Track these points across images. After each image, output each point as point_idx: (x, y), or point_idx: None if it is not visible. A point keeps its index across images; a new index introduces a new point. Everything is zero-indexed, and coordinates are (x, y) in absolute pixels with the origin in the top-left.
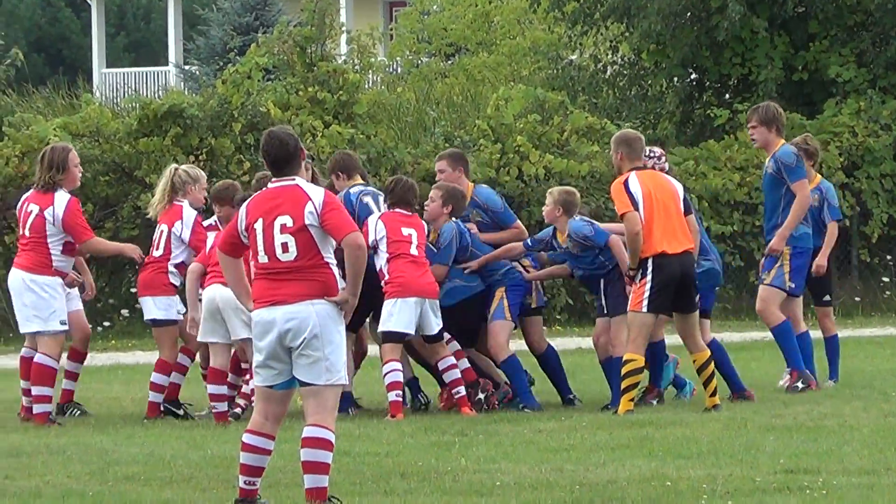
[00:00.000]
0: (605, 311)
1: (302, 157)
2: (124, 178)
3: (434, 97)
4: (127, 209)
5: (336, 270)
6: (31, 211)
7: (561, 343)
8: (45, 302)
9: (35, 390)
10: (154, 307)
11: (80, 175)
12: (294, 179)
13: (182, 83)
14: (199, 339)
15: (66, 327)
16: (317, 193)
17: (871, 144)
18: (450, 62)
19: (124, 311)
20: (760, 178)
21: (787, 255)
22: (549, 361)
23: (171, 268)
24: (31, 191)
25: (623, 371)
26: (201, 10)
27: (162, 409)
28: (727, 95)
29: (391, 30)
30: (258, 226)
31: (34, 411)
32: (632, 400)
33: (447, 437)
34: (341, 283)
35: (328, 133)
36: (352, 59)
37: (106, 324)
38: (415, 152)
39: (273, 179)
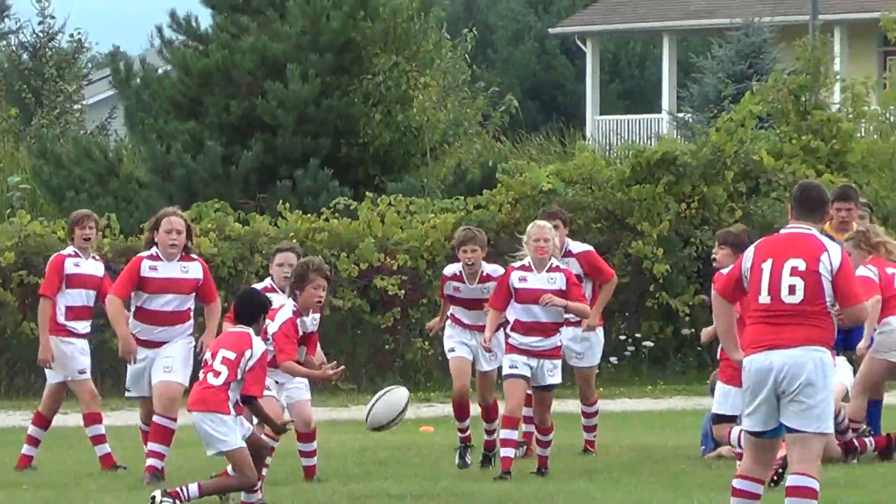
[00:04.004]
0: None
1: (826, 216)
2: (616, 224)
3: None
4: (619, 256)
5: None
6: None
7: None
8: None
9: None
10: None
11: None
12: (811, 230)
13: (675, 130)
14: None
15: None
16: (834, 250)
17: None
18: None
19: (612, 359)
20: None
21: None
22: None
23: None
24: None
25: None
26: (696, 57)
27: None
28: None
29: (885, 78)
30: (766, 265)
31: None
32: None
33: None
34: None
35: (821, 182)
36: (845, 108)
37: None
38: None
39: (789, 225)
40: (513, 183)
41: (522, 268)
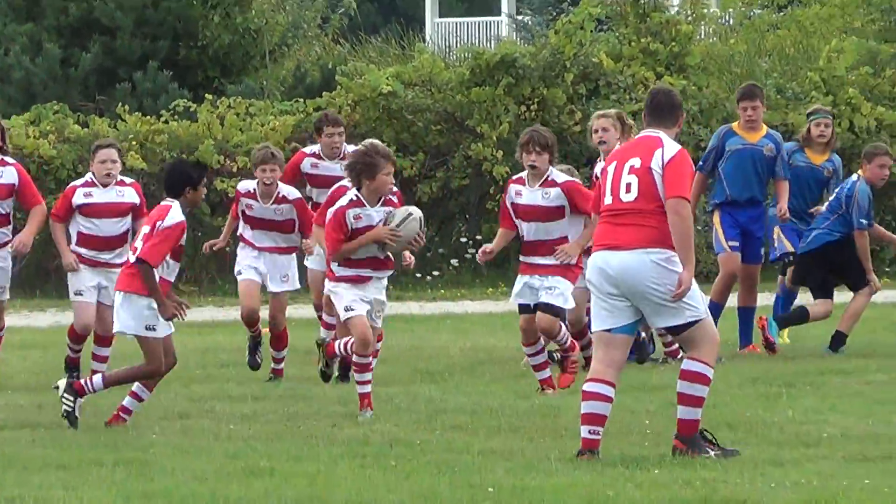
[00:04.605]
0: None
1: (679, 120)
2: (455, 127)
3: (765, 49)
4: (458, 158)
5: None
6: None
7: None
8: None
9: None
10: None
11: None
12: (659, 132)
13: (514, 33)
14: None
15: None
16: (671, 146)
17: None
18: (782, 14)
19: (454, 261)
20: None
21: None
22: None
23: None
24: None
25: None
26: None
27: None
28: None
29: None
30: (611, 168)
31: None
32: None
33: (774, 389)
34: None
35: (660, 84)
36: (684, 11)
37: (435, 273)
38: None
39: (641, 131)
40: (352, 85)
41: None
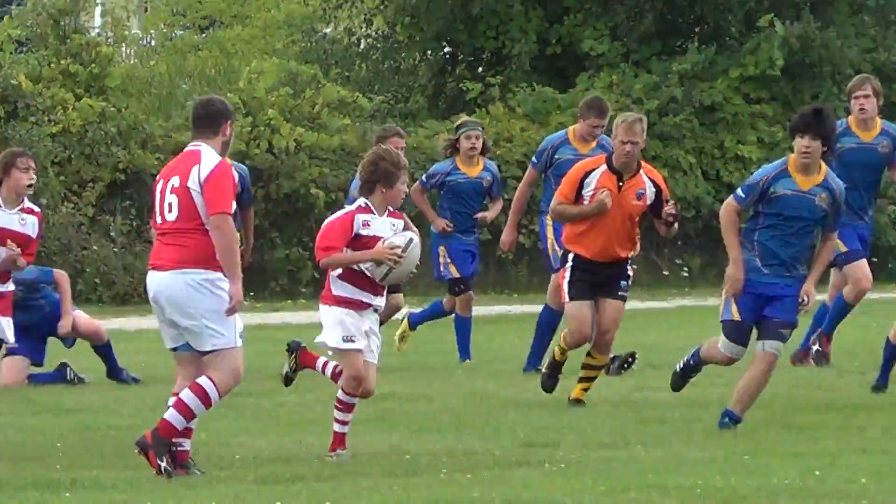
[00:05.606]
0: None
1: (222, 128)
2: None
3: (187, 70)
4: None
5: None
6: None
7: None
8: None
9: None
10: None
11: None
12: (200, 145)
13: None
14: None
15: None
16: (209, 161)
17: None
18: (204, 35)
19: None
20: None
21: None
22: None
23: None
24: None
25: None
26: None
27: None
28: (480, 69)
29: (146, 2)
30: (159, 187)
31: None
32: None
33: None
34: None
35: (79, 106)
36: (106, 32)
37: None
38: (166, 125)
39: (189, 145)
40: None
41: None
